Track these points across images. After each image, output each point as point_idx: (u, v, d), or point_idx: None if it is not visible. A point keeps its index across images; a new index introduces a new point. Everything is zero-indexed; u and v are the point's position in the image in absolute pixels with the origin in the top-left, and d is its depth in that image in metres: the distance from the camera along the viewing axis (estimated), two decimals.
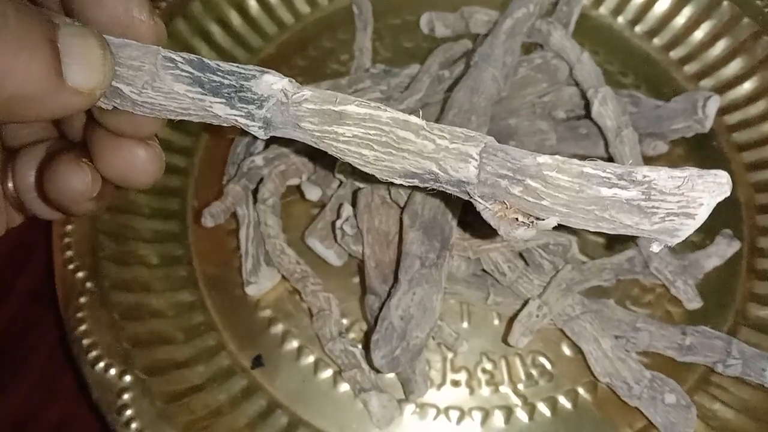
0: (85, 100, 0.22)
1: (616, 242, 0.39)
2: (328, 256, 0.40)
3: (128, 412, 0.35)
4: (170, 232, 0.43)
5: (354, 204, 0.39)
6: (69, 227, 0.40)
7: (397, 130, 0.22)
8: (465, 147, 0.21)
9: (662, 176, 0.19)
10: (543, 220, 0.21)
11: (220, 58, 0.48)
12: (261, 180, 0.42)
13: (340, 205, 0.39)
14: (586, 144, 0.43)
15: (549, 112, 0.44)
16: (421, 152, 0.22)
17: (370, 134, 0.22)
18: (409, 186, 0.23)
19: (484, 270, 0.39)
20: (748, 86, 0.48)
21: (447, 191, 0.22)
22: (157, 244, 0.42)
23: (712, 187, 0.19)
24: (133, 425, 0.35)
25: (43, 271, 0.42)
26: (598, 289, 0.40)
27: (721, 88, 0.48)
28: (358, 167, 0.23)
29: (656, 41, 0.51)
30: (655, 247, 0.20)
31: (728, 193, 0.19)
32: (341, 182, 0.41)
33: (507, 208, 0.21)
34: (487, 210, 0.22)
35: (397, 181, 0.23)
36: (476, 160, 0.21)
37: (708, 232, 0.42)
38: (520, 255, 0.39)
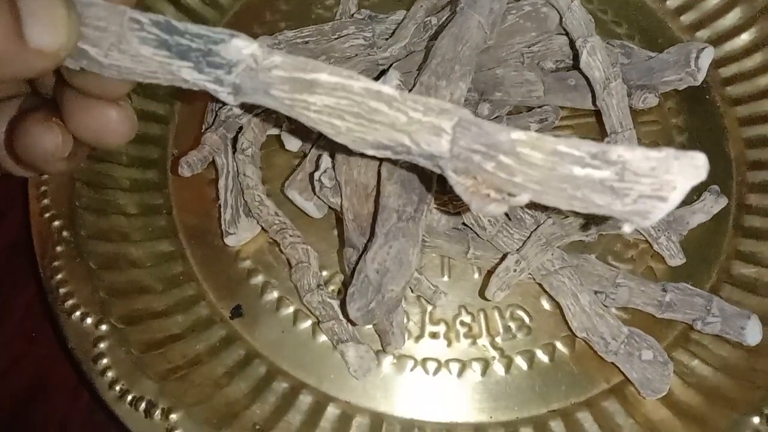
0: (49, 61, 0.21)
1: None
2: (307, 208, 0.40)
3: (104, 361, 0.35)
4: (149, 180, 0.43)
5: (333, 155, 0.38)
6: (45, 176, 0.40)
7: (369, 100, 0.21)
8: (438, 120, 0.21)
9: (637, 157, 0.18)
10: (515, 196, 0.20)
11: (201, 1, 0.47)
12: (241, 129, 0.41)
13: (319, 156, 0.38)
14: (574, 96, 0.42)
15: (537, 62, 0.43)
16: (393, 124, 0.21)
17: (341, 104, 0.21)
18: (382, 157, 0.22)
19: (464, 224, 0.39)
20: (745, 38, 0.47)
21: (419, 164, 0.22)
22: (136, 193, 0.42)
23: (687, 170, 0.18)
24: (109, 374, 0.35)
25: (22, 220, 0.41)
26: (580, 244, 0.40)
27: (718, 40, 0.47)
28: (330, 137, 0.22)
29: None
30: (627, 228, 0.20)
31: (704, 177, 0.18)
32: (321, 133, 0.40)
33: (479, 183, 0.21)
34: (459, 184, 0.21)
35: (370, 152, 0.22)
36: (449, 134, 0.21)
37: (696, 187, 0.41)
38: None
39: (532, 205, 0.21)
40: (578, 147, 0.19)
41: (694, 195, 0.41)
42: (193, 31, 0.22)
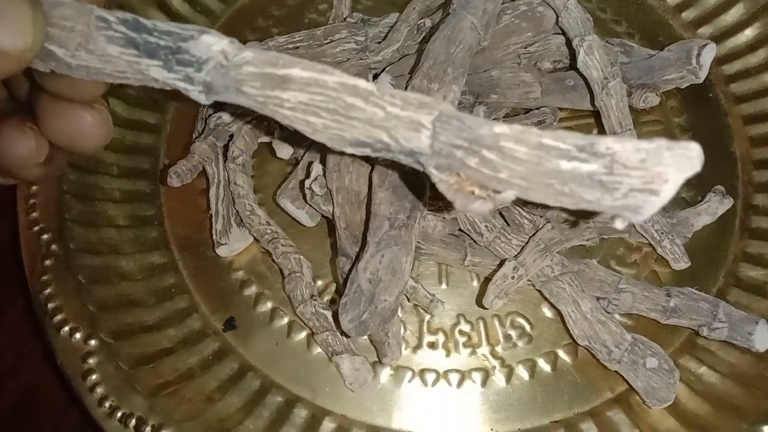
0: (13, 63, 0.20)
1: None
2: (300, 217, 0.39)
3: (93, 377, 0.34)
4: (140, 191, 0.42)
5: (324, 162, 0.37)
6: (34, 188, 0.39)
7: (345, 96, 0.20)
8: (417, 115, 0.20)
9: (627, 148, 0.17)
10: (501, 193, 0.19)
11: (192, 7, 0.46)
12: (231, 137, 0.40)
13: (310, 164, 0.37)
14: (573, 96, 0.41)
15: (534, 62, 0.42)
16: (370, 120, 0.20)
17: (316, 100, 0.20)
18: (362, 156, 0.21)
19: (461, 230, 0.37)
20: (748, 33, 0.45)
21: (401, 161, 0.21)
22: (127, 204, 0.41)
23: (680, 162, 0.17)
24: (98, 390, 0.34)
25: (10, 233, 0.40)
26: (581, 249, 0.39)
27: (720, 36, 0.46)
28: (307, 135, 0.21)
29: None
30: (619, 224, 0.19)
31: (698, 168, 0.17)
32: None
33: (463, 180, 0.20)
34: (442, 182, 0.20)
35: (349, 151, 0.21)
36: (429, 129, 0.19)
37: (700, 188, 0.40)
38: (500, 213, 0.38)
39: (521, 203, 0.19)
40: (564, 139, 0.18)
41: (699, 196, 0.40)
42: (162, 28, 0.21)
